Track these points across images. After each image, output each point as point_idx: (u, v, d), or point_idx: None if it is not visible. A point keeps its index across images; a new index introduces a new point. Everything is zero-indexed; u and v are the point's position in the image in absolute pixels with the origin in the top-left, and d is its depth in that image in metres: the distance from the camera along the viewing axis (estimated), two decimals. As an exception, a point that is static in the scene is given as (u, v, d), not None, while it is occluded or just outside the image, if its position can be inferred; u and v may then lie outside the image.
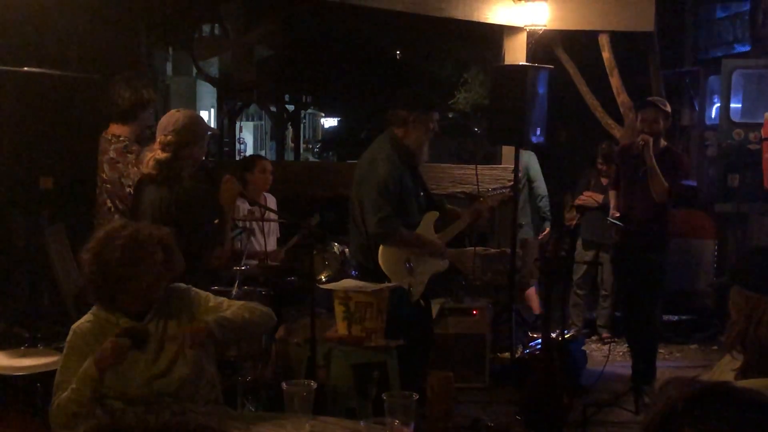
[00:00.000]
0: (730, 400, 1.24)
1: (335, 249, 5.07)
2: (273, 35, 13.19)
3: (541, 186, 6.93)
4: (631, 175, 5.29)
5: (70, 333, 2.73)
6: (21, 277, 5.33)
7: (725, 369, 2.18)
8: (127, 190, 4.16)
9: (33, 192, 5.00)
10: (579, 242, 6.93)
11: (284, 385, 2.61)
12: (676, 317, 7.26)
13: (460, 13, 6.54)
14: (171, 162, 3.66)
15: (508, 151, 6.61)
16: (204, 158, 3.99)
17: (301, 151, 24.64)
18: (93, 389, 2.54)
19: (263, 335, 4.17)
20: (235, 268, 4.61)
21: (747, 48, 8.68)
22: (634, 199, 5.30)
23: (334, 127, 32.04)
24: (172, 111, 3.80)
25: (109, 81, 4.32)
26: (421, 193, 4.53)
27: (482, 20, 6.56)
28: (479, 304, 5.70)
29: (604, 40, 7.45)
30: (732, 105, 7.39)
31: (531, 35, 6.61)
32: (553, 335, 5.19)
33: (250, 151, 26.82)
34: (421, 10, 6.51)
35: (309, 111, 30.37)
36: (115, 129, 4.30)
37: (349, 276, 4.54)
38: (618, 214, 5.45)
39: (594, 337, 7.02)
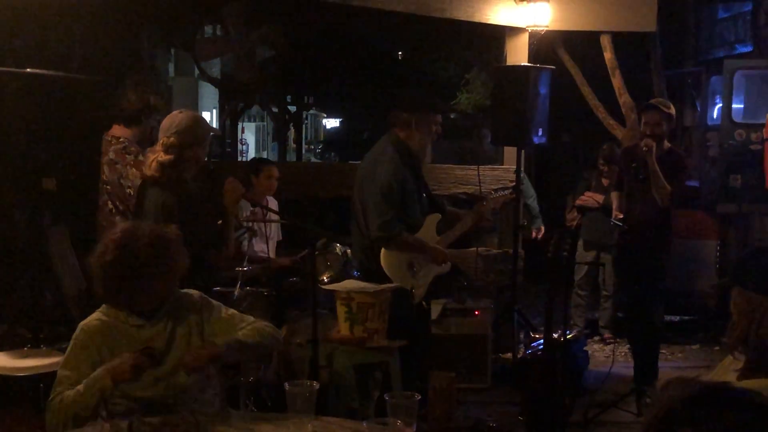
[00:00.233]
0: (731, 400, 1.25)
1: (337, 250, 5.08)
2: (275, 36, 13.17)
3: (528, 188, 6.93)
4: (633, 178, 5.29)
5: (78, 329, 2.72)
6: (23, 278, 5.33)
7: (727, 369, 2.18)
8: (127, 191, 4.17)
9: (36, 193, 4.99)
10: (580, 243, 6.93)
11: (287, 386, 2.62)
12: (678, 318, 7.28)
13: (462, 14, 6.54)
14: (174, 164, 3.66)
15: (509, 152, 6.61)
16: (206, 159, 4.00)
17: (303, 151, 24.68)
18: (101, 398, 2.55)
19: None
20: (237, 268, 4.62)
21: (749, 48, 8.67)
22: (636, 201, 5.31)
23: (336, 128, 32.14)
24: (174, 112, 3.79)
25: (116, 83, 4.34)
26: (424, 195, 4.54)
27: (484, 21, 6.56)
28: (481, 304, 5.70)
29: (606, 41, 7.46)
30: (734, 105, 7.38)
31: (533, 36, 6.61)
32: (555, 336, 5.19)
33: (252, 152, 26.82)
34: (423, 11, 6.50)
35: (311, 112, 30.41)
36: (117, 131, 4.31)
37: (351, 277, 4.55)
38: (621, 216, 5.46)
39: (596, 338, 7.02)
